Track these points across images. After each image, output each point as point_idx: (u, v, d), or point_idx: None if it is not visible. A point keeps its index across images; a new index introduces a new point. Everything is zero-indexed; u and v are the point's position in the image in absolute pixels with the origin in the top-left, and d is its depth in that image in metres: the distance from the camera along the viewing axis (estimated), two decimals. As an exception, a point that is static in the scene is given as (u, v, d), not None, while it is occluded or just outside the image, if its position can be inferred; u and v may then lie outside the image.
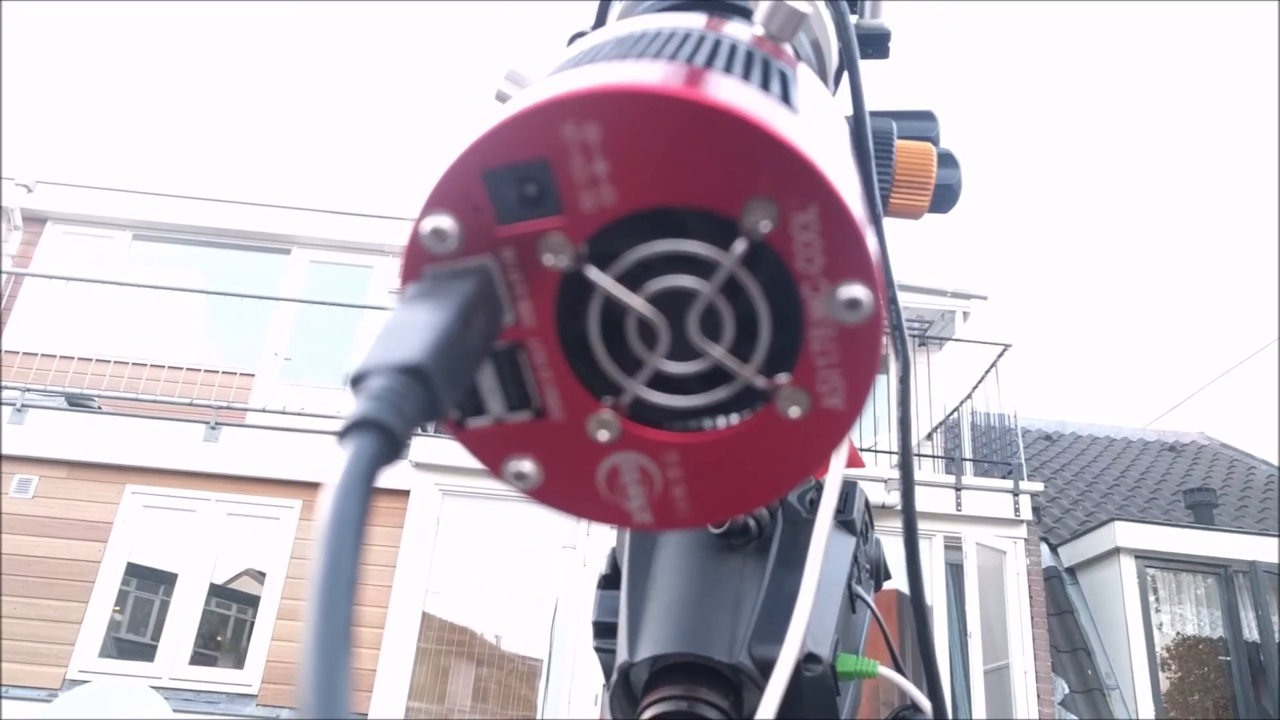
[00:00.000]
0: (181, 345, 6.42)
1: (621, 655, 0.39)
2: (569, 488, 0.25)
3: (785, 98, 0.24)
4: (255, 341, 6.50)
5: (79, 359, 6.01)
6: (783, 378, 0.23)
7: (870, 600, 0.44)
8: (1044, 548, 6.70)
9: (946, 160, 0.45)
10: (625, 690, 0.39)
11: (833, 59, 0.40)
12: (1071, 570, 6.97)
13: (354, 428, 0.19)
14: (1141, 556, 6.51)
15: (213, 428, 5.52)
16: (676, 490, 0.25)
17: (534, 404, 0.24)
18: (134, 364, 6.07)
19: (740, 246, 0.22)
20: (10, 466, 5.34)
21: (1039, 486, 6.37)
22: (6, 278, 6.27)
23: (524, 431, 0.25)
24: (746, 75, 0.24)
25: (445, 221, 0.22)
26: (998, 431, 6.74)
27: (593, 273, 0.23)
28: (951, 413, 7.00)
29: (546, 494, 0.25)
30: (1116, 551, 6.52)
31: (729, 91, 0.22)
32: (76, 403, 5.74)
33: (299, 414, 5.71)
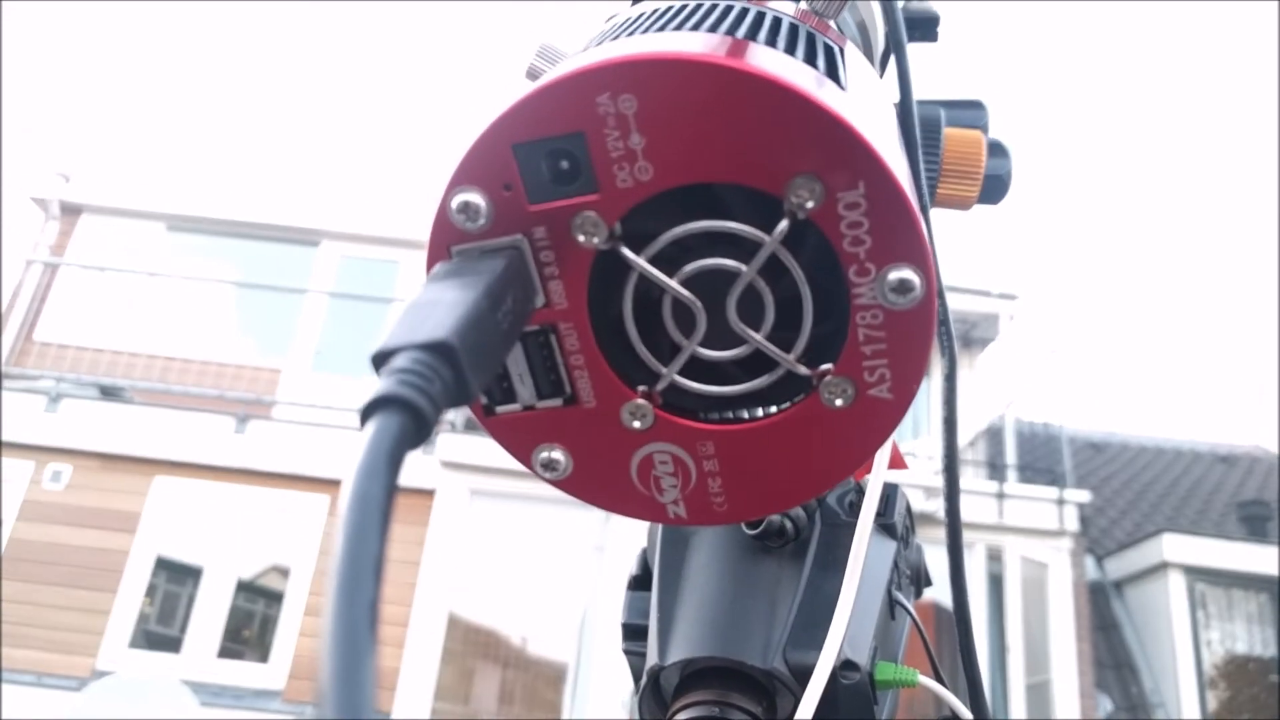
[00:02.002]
0: (212, 337, 6.45)
1: (652, 658, 0.38)
2: (600, 478, 0.24)
3: (832, 72, 0.23)
4: (286, 335, 6.50)
5: (111, 351, 6.04)
6: (826, 366, 0.22)
7: (911, 607, 0.43)
8: (1089, 560, 6.54)
9: (997, 150, 0.43)
10: (655, 694, 0.38)
11: (879, 42, 0.40)
12: (1118, 584, 6.80)
13: (377, 405, 0.17)
14: (1191, 571, 6.33)
15: (242, 420, 5.52)
16: (713, 483, 0.24)
17: (565, 390, 0.24)
18: (165, 357, 6.11)
19: (783, 226, 0.21)
20: (44, 457, 5.37)
21: (1085, 496, 6.20)
22: (43, 267, 6.33)
23: (554, 419, 0.24)
24: (791, 49, 0.23)
25: (474, 197, 0.22)
26: (1042, 438, 6.60)
27: (627, 253, 0.22)
28: (995, 418, 6.86)
29: (576, 485, 0.25)
30: (1165, 565, 6.34)
31: (772, 62, 0.21)
32: (109, 393, 5.78)
33: (328, 408, 5.70)
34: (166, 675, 4.80)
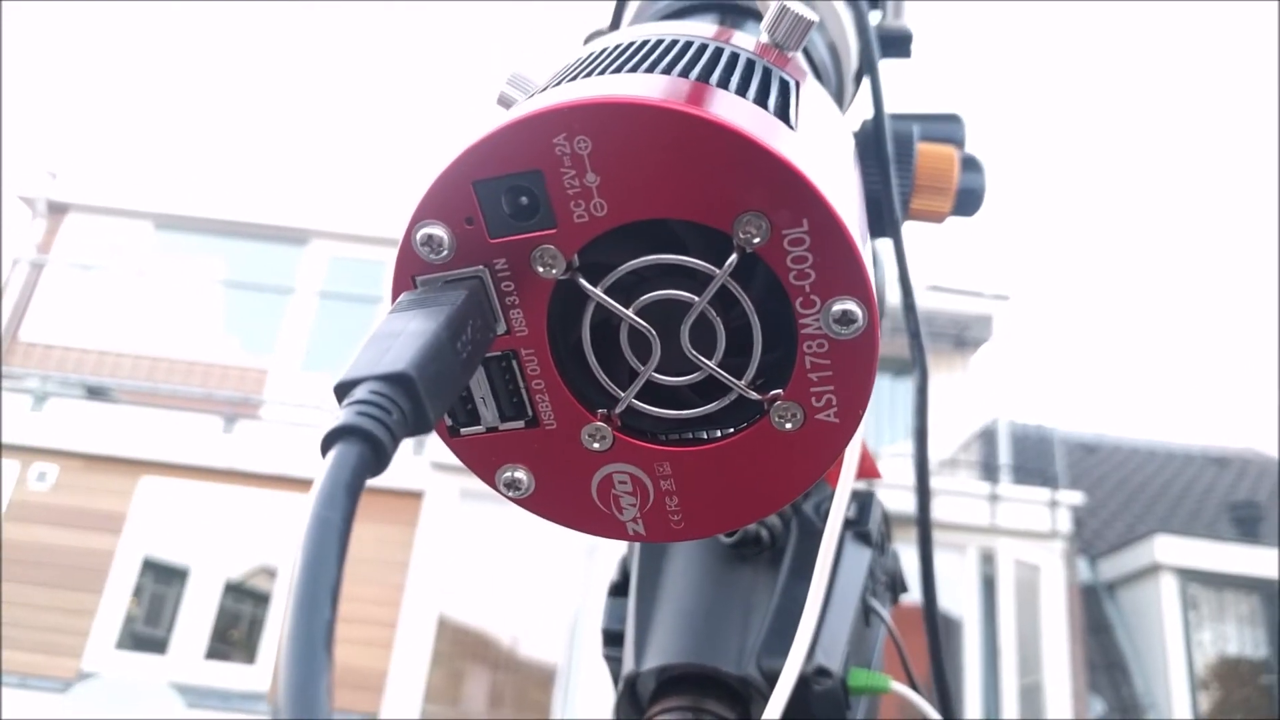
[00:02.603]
0: (200, 337, 6.41)
1: (628, 665, 0.39)
2: (561, 497, 0.25)
3: (783, 111, 0.24)
4: (274, 334, 6.47)
5: (98, 351, 6.00)
6: (776, 391, 0.24)
7: (886, 614, 0.43)
8: (1081, 561, 6.54)
9: (970, 164, 0.45)
10: (632, 700, 0.39)
11: (851, 61, 0.41)
12: (1110, 585, 6.80)
13: (337, 435, 0.18)
14: (1183, 572, 6.34)
15: (230, 420, 5.49)
16: (670, 502, 0.25)
17: (527, 413, 0.25)
18: (152, 357, 6.07)
19: (732, 260, 0.22)
20: (29, 457, 5.33)
21: (1078, 498, 6.20)
22: (29, 266, 6.28)
23: (517, 440, 0.25)
24: (745, 86, 0.24)
25: (437, 230, 0.23)
26: (1035, 440, 6.60)
27: (585, 284, 0.23)
28: (988, 420, 6.86)
29: (538, 503, 0.25)
30: (1157, 567, 6.34)
31: (721, 105, 0.22)
32: (95, 393, 5.74)
33: (317, 408, 5.68)
34: (153, 677, 4.77)
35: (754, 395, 0.24)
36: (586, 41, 0.40)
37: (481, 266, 0.23)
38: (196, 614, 5.23)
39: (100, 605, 5.12)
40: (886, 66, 0.39)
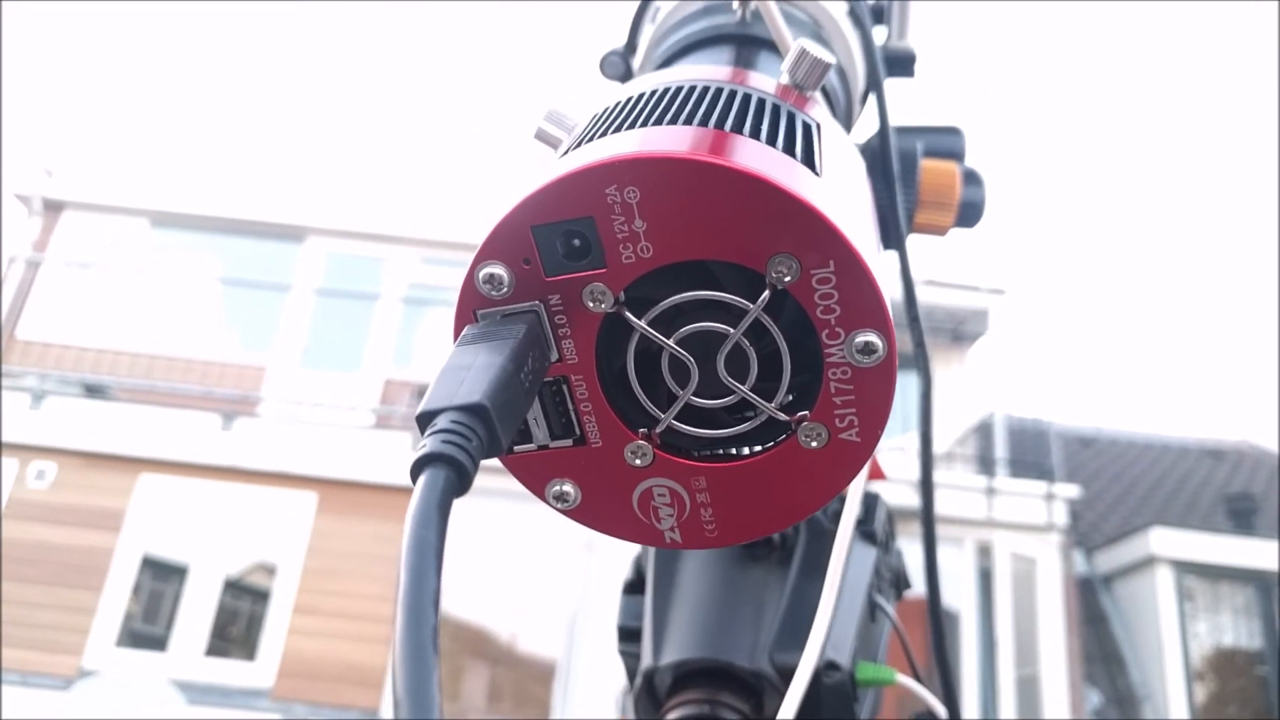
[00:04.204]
0: (197, 334, 6.40)
1: (646, 660, 0.40)
2: (605, 509, 0.27)
3: (808, 156, 0.26)
4: (271, 331, 6.46)
5: (96, 349, 5.99)
6: (803, 412, 0.25)
7: (890, 610, 0.45)
8: (1078, 554, 6.55)
9: (971, 178, 0.47)
10: (649, 694, 0.40)
11: (859, 81, 0.42)
12: (1106, 578, 6.82)
13: (426, 462, 0.21)
14: (1179, 564, 6.35)
15: (228, 417, 5.49)
16: (705, 513, 0.27)
17: (575, 432, 0.27)
18: (150, 354, 6.06)
19: (765, 296, 0.24)
20: (28, 455, 5.32)
21: (1074, 491, 6.21)
22: (25, 265, 6.27)
23: (565, 457, 0.27)
24: (774, 133, 0.26)
25: (498, 270, 0.25)
26: (1031, 433, 6.60)
27: (630, 317, 0.25)
28: (984, 414, 6.86)
29: (585, 514, 0.27)
30: (1152, 559, 6.36)
31: (753, 156, 0.24)
32: (93, 391, 5.73)
33: (316, 405, 5.67)
34: (153, 674, 4.77)
35: (783, 417, 0.26)
36: (601, 62, 0.42)
37: (537, 302, 0.25)
38: (196, 611, 5.23)
39: (100, 603, 5.12)
40: (890, 84, 0.41)
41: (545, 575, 5.48)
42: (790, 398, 0.26)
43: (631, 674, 0.43)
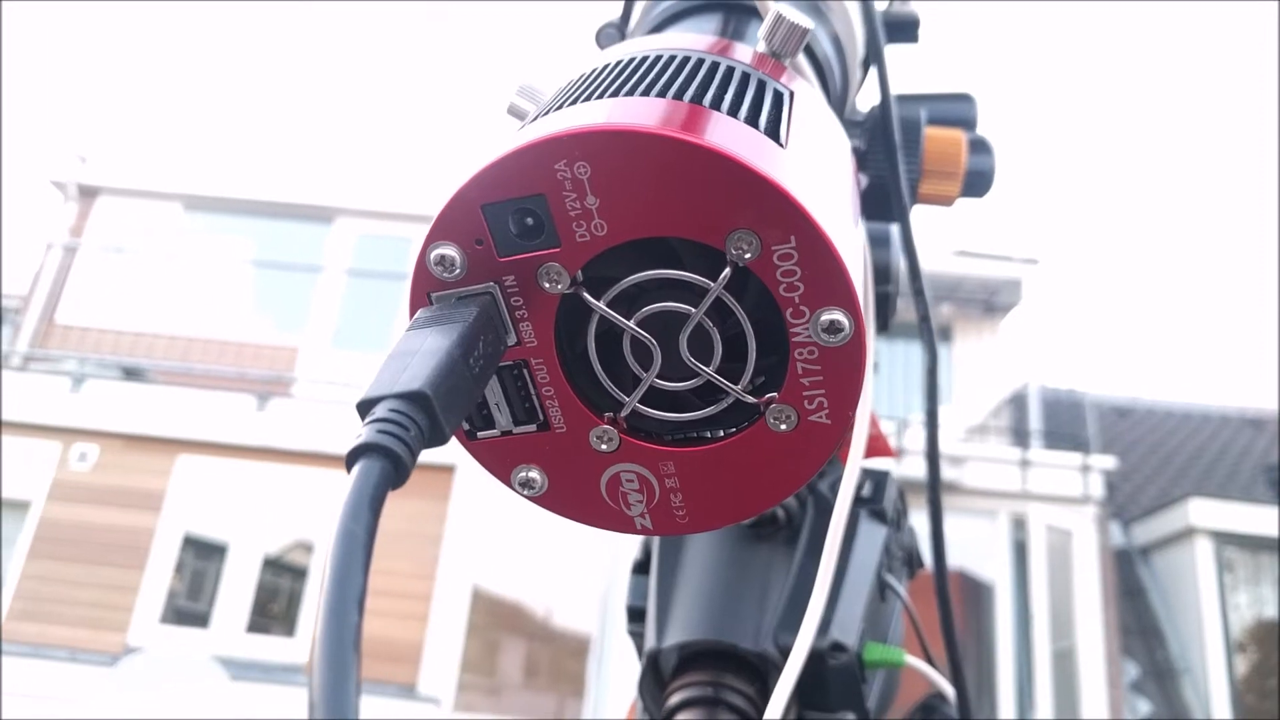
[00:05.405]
0: (231, 316, 6.47)
1: (650, 641, 0.40)
2: (573, 495, 0.27)
3: (774, 128, 0.25)
4: (303, 312, 6.52)
5: (132, 333, 6.08)
6: (771, 394, 0.25)
7: (902, 589, 0.44)
8: (1114, 526, 6.49)
9: (979, 146, 0.45)
10: (654, 675, 0.40)
11: (858, 48, 0.41)
12: (1144, 549, 6.74)
13: (360, 452, 0.20)
14: (1218, 535, 6.26)
15: (263, 398, 5.55)
16: (674, 498, 0.26)
17: (538, 418, 0.26)
18: (185, 337, 6.14)
19: (726, 274, 0.23)
20: (70, 437, 5.43)
21: (1110, 462, 6.14)
22: (62, 250, 6.36)
23: (530, 443, 0.26)
24: (738, 104, 0.25)
25: (449, 251, 0.24)
26: (1067, 404, 6.53)
27: (588, 298, 0.24)
28: (1019, 385, 6.79)
29: (551, 500, 0.27)
30: (1191, 530, 6.27)
31: (711, 128, 0.23)
32: (131, 374, 5.82)
33: (348, 385, 5.73)
34: (197, 650, 4.86)
35: (750, 399, 0.25)
36: (598, 34, 0.41)
37: (492, 283, 0.24)
38: (237, 589, 5.33)
39: (143, 581, 5.23)
40: (895, 51, 0.39)
41: (579, 551, 5.52)
42: (761, 380, 0.25)
43: (641, 654, 0.43)
